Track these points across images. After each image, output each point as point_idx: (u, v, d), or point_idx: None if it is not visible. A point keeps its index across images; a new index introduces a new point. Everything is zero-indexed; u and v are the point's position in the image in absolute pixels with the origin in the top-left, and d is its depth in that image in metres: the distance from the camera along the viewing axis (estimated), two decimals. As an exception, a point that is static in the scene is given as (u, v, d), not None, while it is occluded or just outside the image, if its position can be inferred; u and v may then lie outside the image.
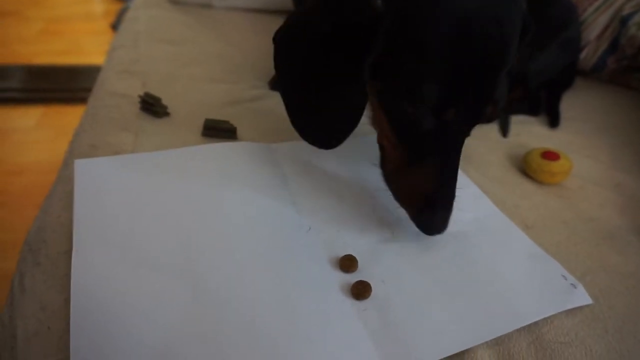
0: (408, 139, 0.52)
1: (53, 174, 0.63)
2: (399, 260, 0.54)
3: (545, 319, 0.49)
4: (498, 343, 0.47)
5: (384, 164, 0.56)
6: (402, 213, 0.55)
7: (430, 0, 0.46)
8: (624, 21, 0.95)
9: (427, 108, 0.48)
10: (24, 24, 2.53)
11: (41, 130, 1.70)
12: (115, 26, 2.44)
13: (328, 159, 0.68)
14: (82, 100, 0.85)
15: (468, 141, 0.53)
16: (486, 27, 0.46)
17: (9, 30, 2.45)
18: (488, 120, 0.51)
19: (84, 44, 2.39)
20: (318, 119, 0.55)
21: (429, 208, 0.51)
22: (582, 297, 0.52)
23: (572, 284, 0.53)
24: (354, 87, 0.51)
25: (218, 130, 0.70)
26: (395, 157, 0.54)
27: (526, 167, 0.71)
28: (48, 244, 0.51)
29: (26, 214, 0.61)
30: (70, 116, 1.71)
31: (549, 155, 0.70)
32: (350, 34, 0.49)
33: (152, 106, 0.73)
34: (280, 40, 0.55)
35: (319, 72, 0.52)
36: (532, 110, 0.89)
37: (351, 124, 0.53)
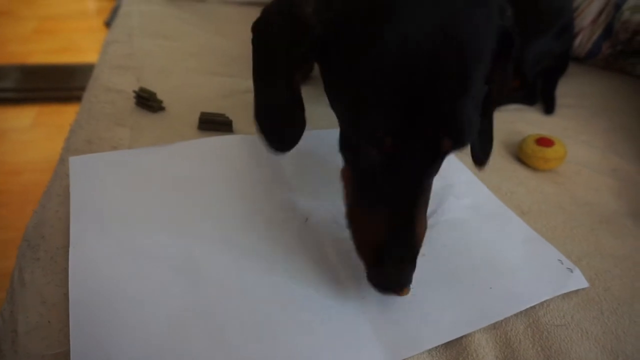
0: (357, 172, 0.47)
1: (50, 173, 0.63)
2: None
3: (541, 302, 0.50)
4: (495, 327, 0.47)
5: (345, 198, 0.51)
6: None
7: (371, 15, 0.41)
8: (618, 6, 0.95)
9: (366, 137, 0.42)
10: (17, 23, 2.52)
11: (37, 129, 1.70)
12: (109, 23, 2.43)
13: (324, 149, 0.68)
14: (78, 98, 0.85)
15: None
16: (439, 48, 0.39)
17: (2, 29, 2.44)
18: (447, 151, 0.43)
19: (78, 42, 2.37)
20: (268, 117, 0.53)
21: (381, 262, 0.44)
22: (579, 281, 0.52)
23: (568, 268, 0.53)
24: (285, 91, 0.48)
25: (214, 124, 0.71)
26: (348, 194, 0.49)
27: (521, 153, 0.71)
28: (46, 239, 0.51)
29: (24, 213, 0.61)
30: (65, 115, 1.71)
31: (543, 142, 0.70)
32: (287, 36, 0.47)
33: (147, 101, 0.73)
34: (254, 30, 0.53)
35: (268, 69, 0.51)
36: (528, 99, 0.89)
37: (290, 130, 0.51)
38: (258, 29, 0.53)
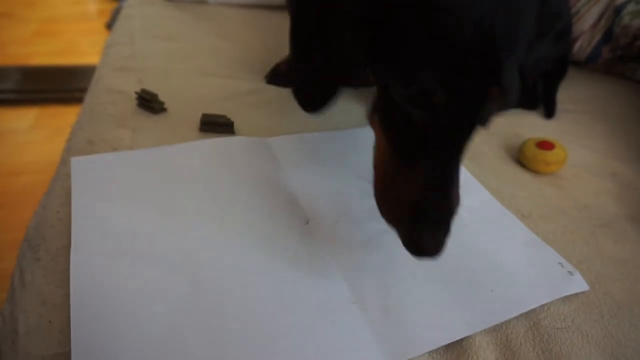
0: (397, 134, 0.46)
1: (50, 174, 0.63)
2: (397, 249, 0.54)
3: (542, 305, 0.50)
4: (496, 329, 0.47)
5: (374, 170, 0.51)
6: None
7: None
8: (617, 10, 0.96)
9: (418, 91, 0.43)
10: (18, 25, 2.53)
11: (37, 130, 1.70)
12: (110, 26, 2.43)
13: (324, 152, 0.68)
14: (78, 100, 0.85)
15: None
16: (489, 8, 0.42)
17: (3, 31, 2.44)
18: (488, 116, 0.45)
19: (78, 44, 2.38)
20: (308, 72, 0.54)
21: (418, 223, 0.44)
22: (579, 284, 0.52)
23: (569, 271, 0.53)
24: (338, 48, 0.48)
25: (215, 125, 0.71)
26: (383, 160, 0.48)
27: (521, 157, 0.72)
28: (47, 239, 0.51)
29: (24, 215, 0.61)
30: (66, 116, 1.71)
31: (544, 145, 0.70)
32: None
33: (148, 102, 0.73)
34: None
35: (323, 24, 0.50)
36: (529, 104, 0.89)
37: (331, 89, 0.51)
38: None
